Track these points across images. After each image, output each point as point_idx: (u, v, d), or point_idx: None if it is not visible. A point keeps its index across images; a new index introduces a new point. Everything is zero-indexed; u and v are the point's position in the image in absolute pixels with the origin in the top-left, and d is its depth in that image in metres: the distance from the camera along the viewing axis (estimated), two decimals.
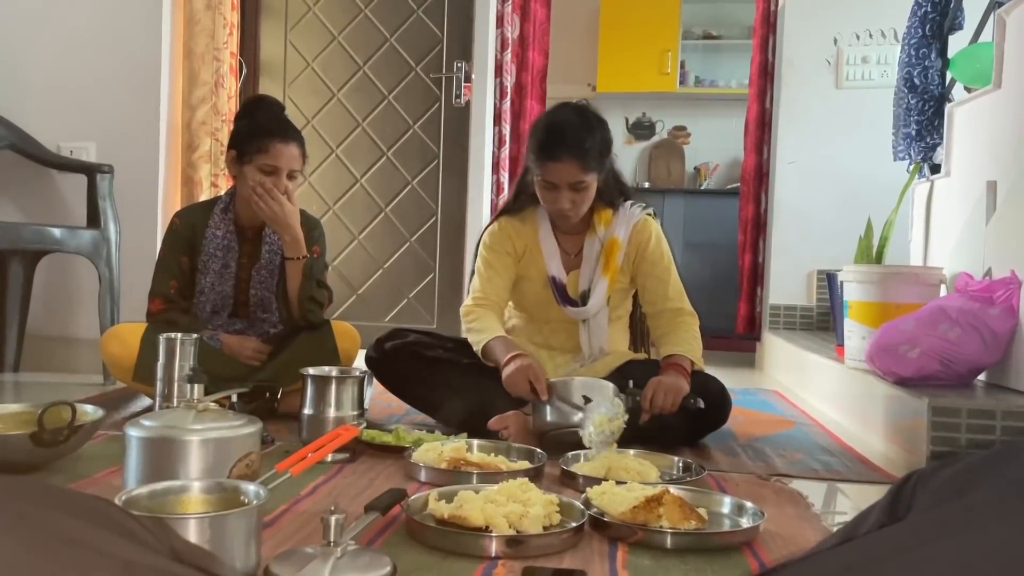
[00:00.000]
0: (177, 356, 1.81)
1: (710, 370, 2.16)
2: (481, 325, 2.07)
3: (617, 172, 2.19)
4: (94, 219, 2.98)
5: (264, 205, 2.18)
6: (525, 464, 1.67)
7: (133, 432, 1.35)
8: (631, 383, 1.92)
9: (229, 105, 3.28)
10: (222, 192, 2.96)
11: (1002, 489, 0.62)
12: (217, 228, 2.31)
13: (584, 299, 2.14)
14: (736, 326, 4.02)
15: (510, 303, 2.28)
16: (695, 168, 5.52)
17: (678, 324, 2.11)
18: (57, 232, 2.85)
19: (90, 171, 3.00)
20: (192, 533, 0.99)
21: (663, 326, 2.13)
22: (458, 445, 1.71)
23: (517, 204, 2.20)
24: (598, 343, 2.17)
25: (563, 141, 1.99)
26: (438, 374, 2.12)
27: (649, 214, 2.19)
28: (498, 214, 2.26)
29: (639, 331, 2.35)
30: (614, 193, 2.16)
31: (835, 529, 1.43)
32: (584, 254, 2.16)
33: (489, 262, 2.16)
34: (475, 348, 2.06)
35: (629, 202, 2.18)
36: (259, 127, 2.23)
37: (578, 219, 2.11)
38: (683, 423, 1.98)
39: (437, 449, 1.70)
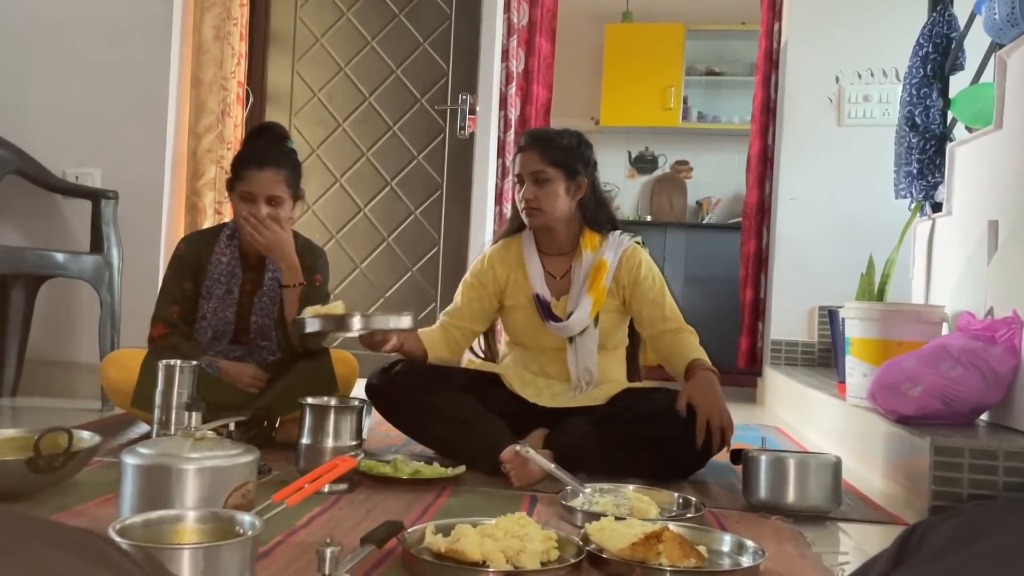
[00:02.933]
0: (176, 384, 1.80)
1: None
2: (431, 330, 2.24)
3: (604, 199, 2.27)
4: (97, 244, 2.98)
5: (257, 235, 2.18)
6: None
7: (129, 459, 1.34)
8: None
9: (235, 133, 3.30)
10: (226, 219, 2.97)
11: (1008, 540, 0.61)
12: (222, 254, 2.31)
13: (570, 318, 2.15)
14: (737, 361, 4.01)
15: (505, 338, 2.32)
16: (697, 202, 5.54)
17: (680, 341, 2.14)
18: (60, 257, 2.86)
19: (95, 196, 3.02)
20: (185, 564, 0.98)
21: (665, 347, 2.15)
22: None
23: (508, 227, 2.31)
24: (584, 365, 2.16)
25: (531, 136, 2.19)
26: (437, 405, 2.10)
27: (638, 242, 2.23)
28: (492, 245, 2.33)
29: (636, 364, 2.35)
30: (597, 215, 2.22)
31: (836, 569, 1.41)
32: (572, 276, 2.19)
33: (464, 290, 2.28)
34: None
35: (618, 231, 2.23)
36: (240, 155, 2.27)
37: (544, 221, 2.15)
38: (686, 450, 1.97)
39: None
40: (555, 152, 2.12)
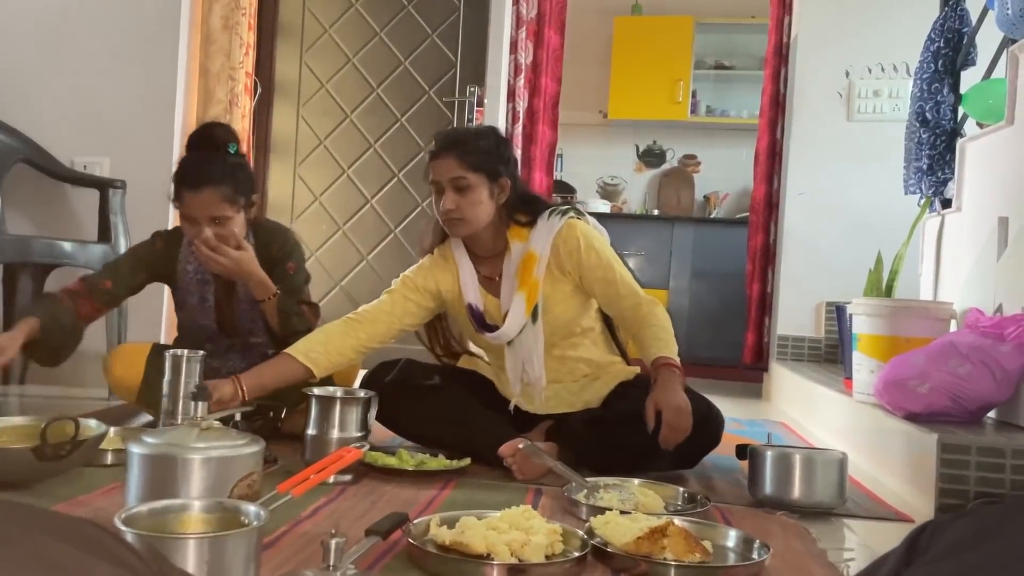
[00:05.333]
0: (182, 373, 1.80)
1: (714, 399, 2.11)
2: (313, 336, 1.99)
3: (528, 194, 2.11)
4: (105, 234, 2.99)
5: (213, 263, 2.05)
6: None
7: (135, 449, 1.34)
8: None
9: (243, 124, 3.30)
10: None
11: (1020, 540, 0.60)
12: (187, 262, 2.21)
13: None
14: (743, 356, 4.00)
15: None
16: (704, 197, 5.53)
17: (641, 319, 1.96)
18: (67, 246, 2.87)
19: (103, 186, 3.02)
20: (191, 554, 0.98)
21: (630, 327, 2.01)
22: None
23: (434, 238, 2.12)
24: (522, 365, 2.03)
25: (445, 139, 1.98)
26: (433, 407, 2.04)
27: (572, 216, 2.04)
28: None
29: (618, 341, 2.21)
30: (521, 209, 2.05)
31: (841, 566, 1.41)
32: (503, 275, 2.04)
33: (400, 286, 2.07)
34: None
35: (547, 211, 2.04)
36: (176, 173, 2.09)
37: (469, 230, 1.99)
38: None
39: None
40: (475, 155, 1.93)
